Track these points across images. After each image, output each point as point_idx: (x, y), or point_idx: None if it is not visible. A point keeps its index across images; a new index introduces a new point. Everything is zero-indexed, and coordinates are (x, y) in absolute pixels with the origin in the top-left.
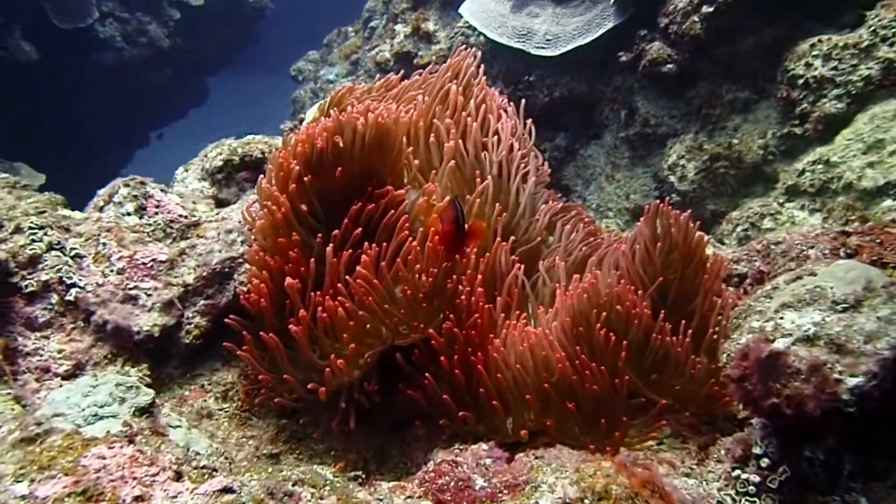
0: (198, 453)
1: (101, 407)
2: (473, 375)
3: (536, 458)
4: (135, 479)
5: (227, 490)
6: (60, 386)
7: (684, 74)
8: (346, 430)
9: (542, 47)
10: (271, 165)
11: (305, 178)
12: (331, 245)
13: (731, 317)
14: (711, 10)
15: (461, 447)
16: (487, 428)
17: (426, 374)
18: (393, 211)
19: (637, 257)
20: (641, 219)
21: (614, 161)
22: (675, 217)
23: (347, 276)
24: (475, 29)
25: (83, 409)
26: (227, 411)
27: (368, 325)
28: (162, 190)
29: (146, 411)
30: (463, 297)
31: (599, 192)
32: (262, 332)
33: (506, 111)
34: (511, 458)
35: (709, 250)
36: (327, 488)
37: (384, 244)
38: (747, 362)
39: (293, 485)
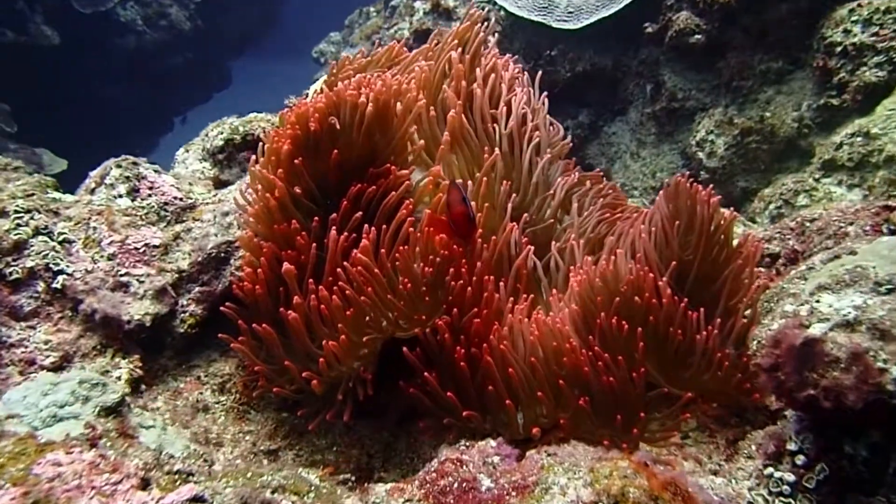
0: (171, 456)
1: (62, 407)
2: (479, 369)
3: (549, 455)
4: (93, 488)
5: (197, 499)
6: None
7: (713, 45)
8: (350, 424)
9: (564, 20)
10: (264, 146)
11: (298, 161)
12: (333, 229)
13: (761, 300)
14: None
15: (468, 443)
16: (496, 424)
17: (426, 373)
18: (393, 193)
19: (654, 238)
20: (659, 194)
21: (640, 138)
22: (695, 192)
23: (346, 263)
24: (495, 3)
25: (41, 410)
26: (223, 404)
27: (368, 317)
28: (156, 171)
29: (113, 411)
30: (469, 287)
31: (624, 170)
32: (255, 323)
33: (518, 80)
34: (522, 454)
35: (738, 229)
36: (311, 495)
37: (384, 227)
38: (780, 350)
39: (272, 492)
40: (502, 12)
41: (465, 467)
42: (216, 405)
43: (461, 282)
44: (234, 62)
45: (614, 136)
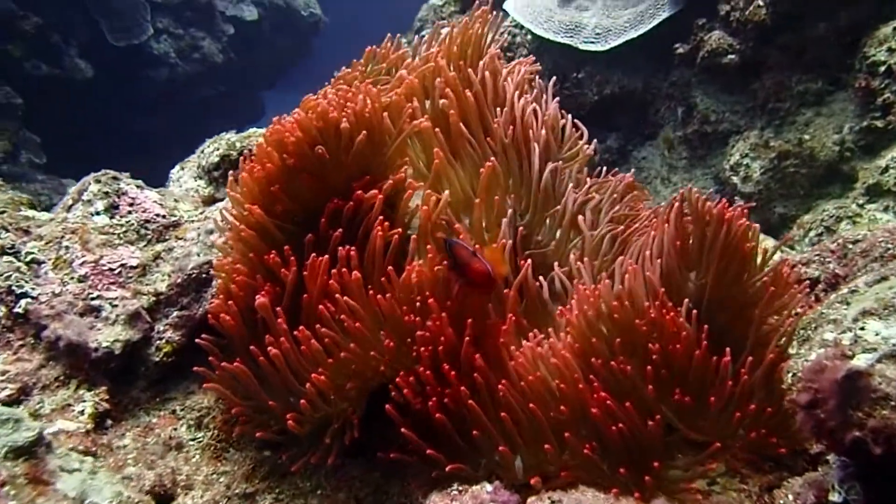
0: None
1: None
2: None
3: (552, 502)
4: None
5: None
6: None
7: (748, 65)
8: (338, 463)
9: (592, 41)
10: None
11: (275, 188)
12: (314, 255)
13: (797, 328)
14: None
15: (461, 488)
16: (492, 466)
17: (404, 428)
18: (378, 227)
19: (660, 264)
20: (663, 212)
21: (671, 163)
22: (705, 207)
23: (327, 303)
24: (522, 27)
25: None
26: (200, 441)
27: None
28: (138, 186)
29: (26, 451)
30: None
31: (655, 196)
32: (233, 356)
33: (531, 85)
34: (522, 501)
35: (765, 244)
36: None
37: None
38: (819, 384)
39: None
40: (529, 36)
41: None
42: (191, 442)
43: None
44: (266, 93)
45: (644, 160)
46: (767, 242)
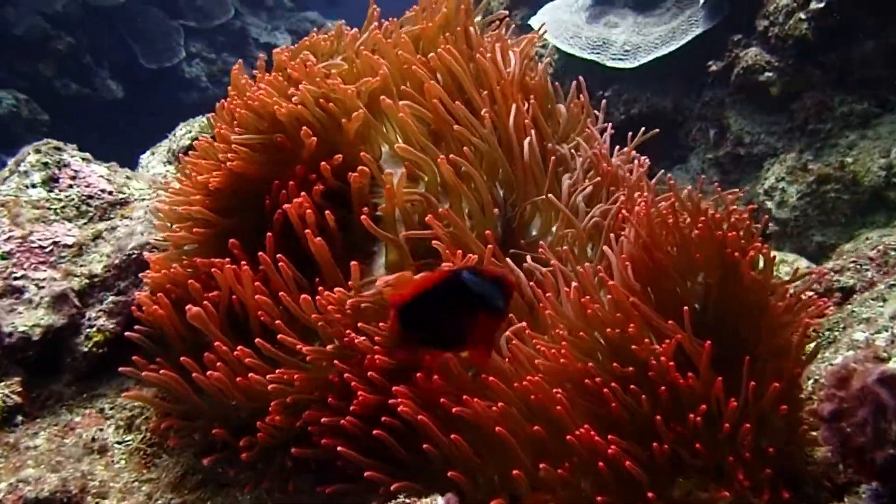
0: None
1: None
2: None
3: None
4: None
5: None
6: None
7: (786, 85)
8: (285, 477)
9: (620, 58)
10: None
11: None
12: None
13: (823, 330)
14: (822, 5)
15: (408, 500)
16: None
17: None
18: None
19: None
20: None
21: (701, 188)
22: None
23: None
24: (547, 44)
25: None
26: (129, 445)
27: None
28: (84, 159)
29: None
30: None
31: None
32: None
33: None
34: None
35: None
36: None
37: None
38: (846, 392)
39: None
40: (556, 54)
41: None
42: (118, 446)
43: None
44: None
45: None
46: (800, 263)
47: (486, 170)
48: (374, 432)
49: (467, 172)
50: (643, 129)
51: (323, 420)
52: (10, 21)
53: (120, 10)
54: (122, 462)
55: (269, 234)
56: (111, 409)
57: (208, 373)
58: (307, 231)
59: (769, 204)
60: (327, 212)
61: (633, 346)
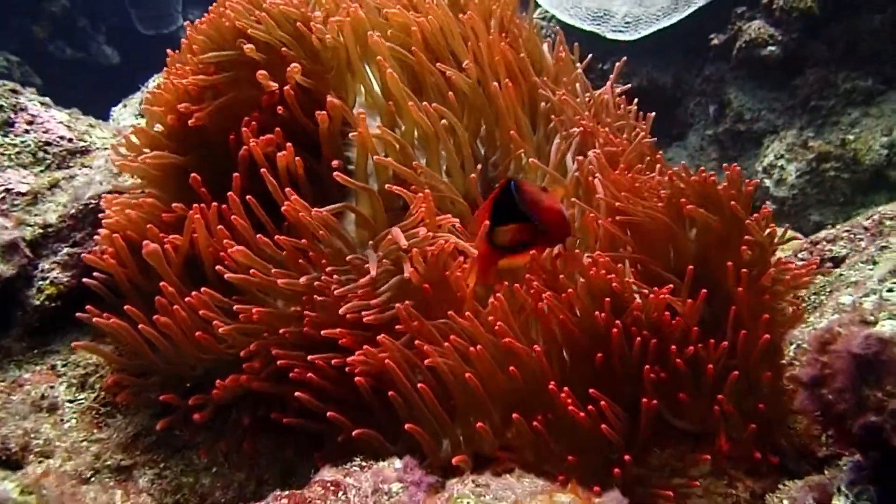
0: None
1: None
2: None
3: (477, 486)
4: None
5: None
6: None
7: (789, 59)
8: (243, 438)
9: (620, 30)
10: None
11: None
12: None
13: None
14: None
15: (364, 463)
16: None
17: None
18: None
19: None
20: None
21: (699, 164)
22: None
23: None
24: (552, 17)
25: None
26: (81, 404)
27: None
28: (43, 104)
29: None
30: None
31: None
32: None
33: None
34: (440, 485)
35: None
36: None
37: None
38: (829, 357)
39: None
40: (554, 23)
41: (341, 496)
42: (69, 404)
43: None
44: None
45: (670, 162)
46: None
47: (467, 126)
48: (357, 380)
49: (448, 125)
50: (637, 100)
51: (280, 362)
52: None
53: None
54: (73, 421)
55: (235, 174)
56: (63, 366)
57: (154, 316)
58: (285, 188)
59: (767, 182)
60: (297, 158)
61: (615, 285)
